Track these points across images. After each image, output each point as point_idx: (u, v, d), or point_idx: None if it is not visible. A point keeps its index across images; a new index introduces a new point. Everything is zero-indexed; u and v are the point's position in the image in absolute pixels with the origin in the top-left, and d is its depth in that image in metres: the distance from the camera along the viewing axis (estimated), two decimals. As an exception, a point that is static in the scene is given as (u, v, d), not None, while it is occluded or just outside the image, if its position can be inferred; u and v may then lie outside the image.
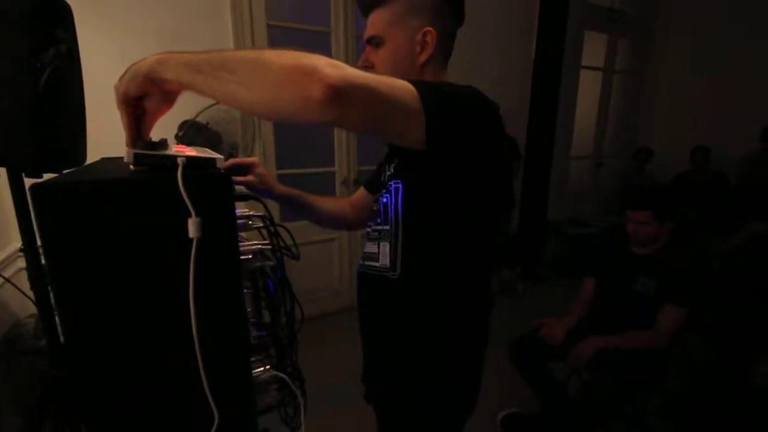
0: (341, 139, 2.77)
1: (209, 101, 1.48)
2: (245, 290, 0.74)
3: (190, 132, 1.60)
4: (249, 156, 2.36)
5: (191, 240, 0.52)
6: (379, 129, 0.59)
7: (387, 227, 0.78)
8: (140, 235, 0.52)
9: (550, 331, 1.67)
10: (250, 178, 0.87)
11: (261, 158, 2.36)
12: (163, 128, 0.68)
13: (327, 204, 1.02)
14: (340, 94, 0.48)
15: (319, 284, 2.90)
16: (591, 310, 1.76)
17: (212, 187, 0.55)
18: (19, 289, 0.91)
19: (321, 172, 2.81)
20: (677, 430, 1.80)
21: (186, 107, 1.29)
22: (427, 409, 0.80)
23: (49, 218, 0.47)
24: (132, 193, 0.50)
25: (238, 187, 0.84)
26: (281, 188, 0.94)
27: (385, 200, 0.79)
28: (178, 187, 0.51)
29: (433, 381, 0.79)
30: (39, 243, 0.47)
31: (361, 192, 1.06)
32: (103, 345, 0.53)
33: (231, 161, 0.85)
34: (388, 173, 0.81)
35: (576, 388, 1.77)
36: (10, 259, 1.66)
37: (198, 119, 1.75)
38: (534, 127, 3.43)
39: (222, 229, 0.56)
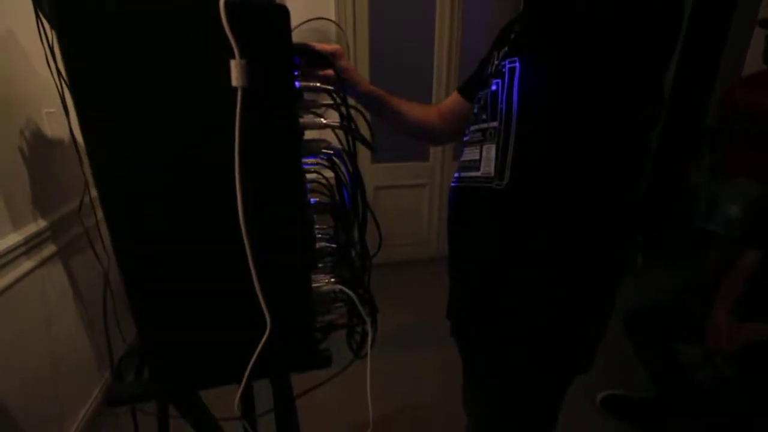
0: (441, 71, 2.51)
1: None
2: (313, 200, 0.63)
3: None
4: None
5: (235, 90, 0.40)
6: None
7: (494, 124, 0.62)
8: (176, 78, 0.41)
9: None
10: (330, 72, 0.73)
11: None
12: None
13: (413, 110, 0.89)
14: None
15: (404, 231, 2.80)
16: (748, 290, 1.36)
17: (264, 21, 0.41)
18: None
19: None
20: None
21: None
22: (525, 357, 0.65)
23: (72, 44, 0.38)
24: (164, 16, 0.39)
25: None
26: (366, 85, 0.82)
27: (494, 87, 0.62)
28: (219, 15, 0.38)
29: (538, 324, 0.63)
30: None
31: (453, 98, 0.90)
32: (139, 220, 0.45)
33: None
34: (501, 55, 0.64)
35: (708, 382, 1.42)
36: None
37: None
38: (683, 74, 2.68)
39: (276, 79, 0.42)
